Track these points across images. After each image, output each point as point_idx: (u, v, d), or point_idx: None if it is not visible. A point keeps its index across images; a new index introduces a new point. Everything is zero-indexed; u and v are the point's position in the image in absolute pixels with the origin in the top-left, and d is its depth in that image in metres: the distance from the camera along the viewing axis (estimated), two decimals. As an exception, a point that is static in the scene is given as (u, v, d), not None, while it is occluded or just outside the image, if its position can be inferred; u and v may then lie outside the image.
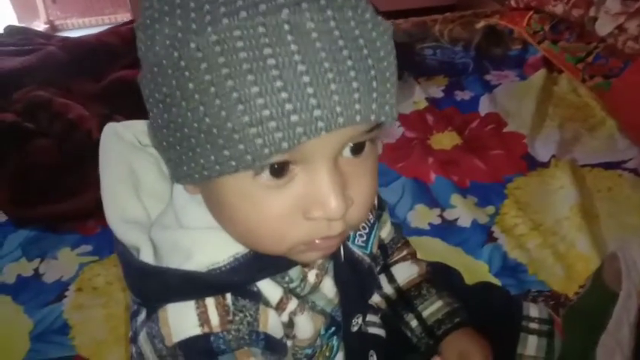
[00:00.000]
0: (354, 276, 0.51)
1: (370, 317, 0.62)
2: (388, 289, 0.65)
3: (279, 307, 0.44)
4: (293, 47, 0.31)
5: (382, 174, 1.12)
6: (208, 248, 0.41)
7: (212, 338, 0.39)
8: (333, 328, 0.50)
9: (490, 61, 1.59)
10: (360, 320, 0.54)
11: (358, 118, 0.33)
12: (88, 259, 0.96)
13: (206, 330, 0.39)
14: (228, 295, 0.41)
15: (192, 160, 0.36)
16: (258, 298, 0.42)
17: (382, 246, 0.63)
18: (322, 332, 0.49)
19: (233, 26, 0.31)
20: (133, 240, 0.42)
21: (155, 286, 0.41)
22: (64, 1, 3.37)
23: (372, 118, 0.34)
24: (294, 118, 0.32)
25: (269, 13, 0.31)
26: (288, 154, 0.34)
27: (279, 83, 0.31)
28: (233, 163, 0.34)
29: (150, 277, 0.41)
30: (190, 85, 0.33)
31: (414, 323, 0.63)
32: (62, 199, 1.07)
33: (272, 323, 0.43)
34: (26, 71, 1.36)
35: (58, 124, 1.21)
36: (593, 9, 1.45)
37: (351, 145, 0.37)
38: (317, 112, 0.32)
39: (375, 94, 0.34)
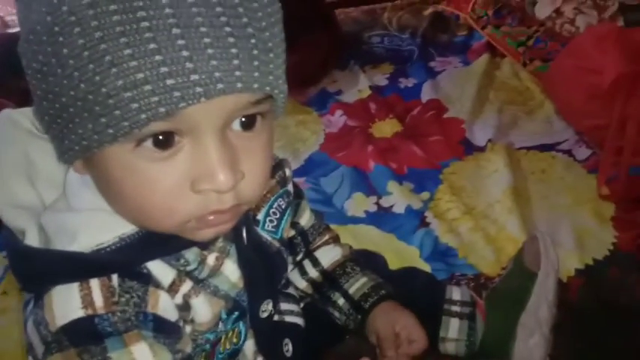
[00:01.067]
0: (261, 260, 0.51)
1: (289, 306, 0.62)
2: (313, 272, 0.65)
3: (172, 289, 0.43)
4: (168, 10, 0.31)
5: (322, 164, 1.14)
6: (93, 229, 0.41)
7: (96, 320, 0.39)
8: (236, 313, 0.49)
9: (435, 47, 1.59)
10: (269, 306, 0.54)
11: (239, 85, 0.33)
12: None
13: (90, 312, 0.39)
14: (114, 277, 0.40)
15: (72, 132, 0.35)
16: (147, 279, 0.42)
17: (303, 233, 0.64)
18: (224, 317, 0.48)
19: None
20: (19, 224, 0.42)
21: (37, 269, 0.41)
22: (14, -4, 3.27)
23: (255, 86, 0.34)
24: (170, 81, 0.32)
25: None
26: (171, 123, 0.34)
27: (152, 45, 0.31)
28: (110, 131, 0.33)
29: (32, 260, 0.41)
30: (65, 51, 0.32)
31: (340, 301, 0.63)
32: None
33: (163, 305, 0.42)
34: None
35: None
36: (533, -7, 1.47)
37: (242, 119, 0.37)
38: (194, 77, 0.32)
39: (256, 62, 0.34)
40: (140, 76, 0.31)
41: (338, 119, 1.28)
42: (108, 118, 0.33)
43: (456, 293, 0.70)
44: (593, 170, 1.02)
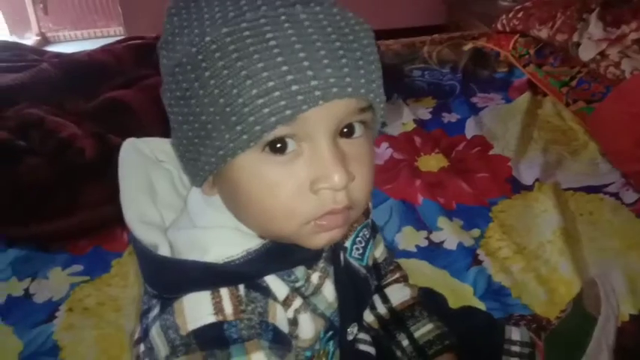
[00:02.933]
0: (351, 284, 0.55)
1: (362, 335, 0.64)
2: (382, 308, 0.67)
3: (286, 303, 0.47)
4: (290, 32, 0.38)
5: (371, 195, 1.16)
6: (223, 244, 0.45)
7: (225, 326, 0.42)
8: (330, 332, 0.53)
9: (476, 83, 1.62)
10: (355, 330, 0.57)
11: (350, 89, 0.39)
12: (79, 279, 0.96)
13: (220, 318, 0.42)
14: (241, 287, 0.44)
15: (210, 147, 0.41)
16: (267, 292, 0.46)
17: (376, 265, 0.66)
18: (321, 335, 0.51)
19: (240, 20, 0.38)
20: (151, 238, 0.46)
21: (173, 277, 0.44)
22: (56, 13, 3.38)
23: (362, 91, 0.40)
24: (294, 87, 0.37)
25: (269, 9, 0.39)
26: (292, 128, 0.40)
27: (280, 59, 0.37)
28: (245, 137, 0.39)
29: (169, 269, 0.45)
30: (207, 74, 0.39)
31: (405, 342, 0.65)
32: (53, 218, 1.07)
33: (280, 317, 0.46)
34: (18, 88, 1.36)
35: (50, 142, 1.22)
36: (577, 34, 1.49)
37: (345, 129, 0.42)
38: (314, 82, 0.38)
39: (362, 71, 0.40)
40: (271, 84, 0.37)
41: (384, 151, 1.31)
42: (243, 125, 0.39)
43: (515, 334, 0.72)
44: (641, 215, 1.03)
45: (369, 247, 0.59)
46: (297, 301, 0.48)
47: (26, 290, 0.95)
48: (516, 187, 1.15)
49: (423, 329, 0.65)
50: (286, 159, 0.41)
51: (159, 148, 0.51)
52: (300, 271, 0.48)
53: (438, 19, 2.73)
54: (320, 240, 0.44)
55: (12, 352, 0.83)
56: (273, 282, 0.46)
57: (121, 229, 1.06)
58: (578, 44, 1.47)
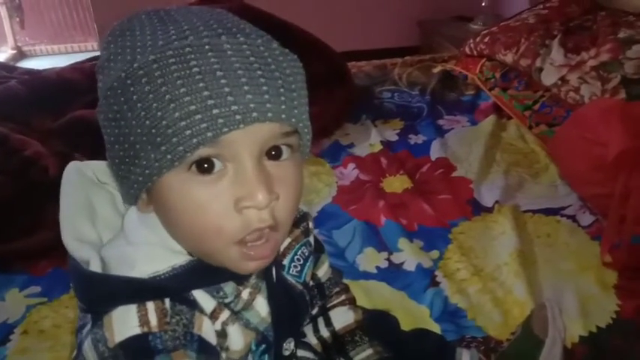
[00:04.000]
0: (286, 299, 0.57)
1: (305, 353, 0.66)
2: (324, 332, 0.69)
3: (213, 315, 0.49)
4: (213, 60, 0.41)
5: (335, 216, 1.17)
6: (150, 259, 0.47)
7: (150, 337, 0.44)
8: (263, 346, 0.54)
9: (444, 105, 1.66)
10: (291, 345, 0.58)
11: (270, 114, 0.42)
12: (37, 300, 0.95)
13: (145, 330, 0.44)
14: (167, 301, 0.46)
15: (139, 166, 0.43)
16: (194, 305, 0.47)
17: (320, 285, 0.68)
18: (253, 348, 0.53)
19: (166, 49, 0.41)
20: (84, 255, 0.48)
21: (101, 292, 0.46)
22: (33, 28, 3.37)
23: (283, 116, 0.43)
24: (215, 111, 0.40)
25: (195, 39, 0.42)
26: (216, 149, 0.42)
27: (201, 84, 0.40)
28: (169, 157, 0.41)
29: (96, 284, 0.46)
30: (134, 97, 0.42)
31: None
32: (14, 238, 1.06)
33: (206, 329, 0.47)
34: (-15, 106, 1.36)
35: (14, 160, 1.21)
36: (540, 60, 1.54)
37: (273, 152, 0.45)
38: (234, 107, 0.41)
39: (283, 98, 0.43)
40: (192, 107, 0.40)
41: (350, 172, 1.33)
42: (167, 146, 0.41)
43: (465, 356, 0.73)
44: (596, 237, 1.05)
45: (307, 264, 0.61)
46: (225, 314, 0.49)
47: (-19, 312, 0.94)
48: (477, 209, 1.17)
49: (362, 354, 0.67)
50: (212, 179, 0.43)
51: (102, 170, 0.53)
52: (229, 287, 0.50)
53: (412, 41, 2.79)
54: (249, 266, 0.47)
55: (-37, 377, 0.82)
56: (201, 296, 0.48)
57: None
58: (540, 69, 1.52)
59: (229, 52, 0.42)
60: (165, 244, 0.48)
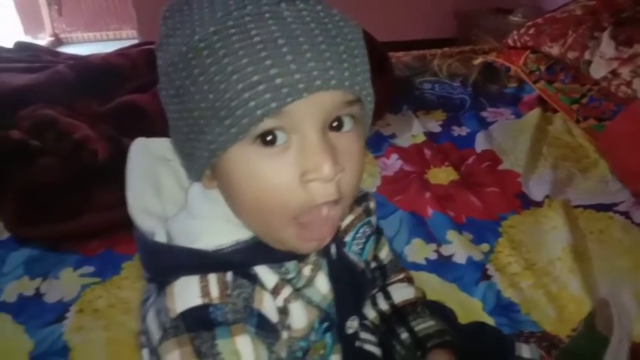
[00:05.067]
0: (347, 277, 0.56)
1: (367, 335, 0.65)
2: (384, 305, 0.68)
3: (275, 291, 0.48)
4: (273, 28, 0.40)
5: (380, 206, 1.14)
6: (214, 233, 0.47)
7: (211, 309, 0.44)
8: (326, 324, 0.53)
9: (486, 97, 1.63)
10: (355, 324, 0.57)
11: (333, 82, 0.40)
12: (90, 280, 0.97)
13: (206, 301, 0.44)
14: (229, 274, 0.46)
15: (203, 141, 0.43)
16: (255, 280, 0.47)
17: (382, 267, 0.67)
18: (316, 326, 0.52)
19: (226, 19, 0.40)
20: (149, 226, 0.48)
21: (165, 262, 0.46)
22: (70, 15, 3.41)
23: (346, 84, 0.41)
24: (278, 80, 0.39)
25: (254, 8, 0.40)
26: (279, 120, 0.41)
27: (263, 54, 0.39)
28: (233, 130, 0.41)
29: (161, 254, 0.47)
30: (196, 71, 0.41)
31: (404, 335, 0.65)
32: (65, 218, 1.08)
33: (267, 305, 0.47)
34: (34, 89, 1.38)
35: (64, 143, 1.23)
36: (588, 52, 1.50)
37: (334, 123, 0.44)
38: (297, 76, 0.39)
39: (345, 65, 0.41)
40: (255, 78, 0.39)
41: (394, 163, 1.32)
42: (231, 119, 0.40)
43: (525, 351, 0.72)
44: (651, 234, 1.03)
45: (368, 243, 0.60)
46: (287, 290, 0.49)
47: (37, 290, 0.96)
48: (526, 203, 1.15)
49: (424, 325, 0.65)
50: (276, 151, 0.42)
51: (166, 147, 0.53)
52: (290, 263, 0.49)
53: (449, 32, 2.75)
54: (306, 247, 0.47)
55: (22, 351, 0.84)
56: (263, 271, 0.48)
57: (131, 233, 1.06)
58: (589, 62, 1.48)
59: (289, 19, 0.40)
60: (229, 218, 0.48)
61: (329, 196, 0.43)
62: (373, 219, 0.62)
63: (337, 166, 0.42)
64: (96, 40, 3.45)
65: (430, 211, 1.13)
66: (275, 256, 0.48)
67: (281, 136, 0.42)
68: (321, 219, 0.44)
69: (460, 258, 1.00)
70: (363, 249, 0.59)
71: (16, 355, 0.84)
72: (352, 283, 0.56)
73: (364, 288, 0.61)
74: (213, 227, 0.47)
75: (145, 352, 0.48)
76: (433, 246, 1.04)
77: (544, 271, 0.96)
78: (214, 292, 0.44)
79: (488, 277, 0.95)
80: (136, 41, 2.17)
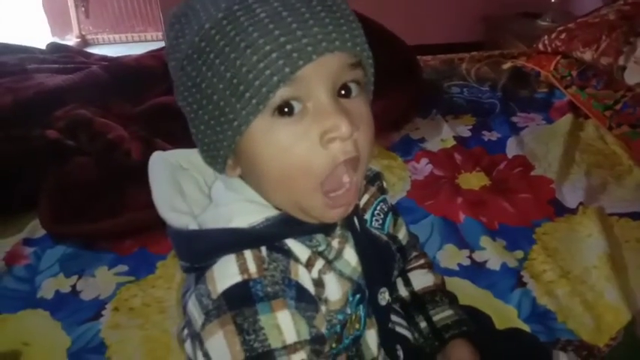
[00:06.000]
0: (373, 249, 0.57)
1: (398, 319, 0.66)
2: (403, 291, 0.69)
3: (309, 263, 0.50)
4: (276, 4, 0.44)
5: (411, 211, 1.16)
6: (244, 213, 0.49)
7: (251, 284, 0.45)
8: (358, 295, 0.54)
9: (516, 102, 1.62)
10: (386, 295, 0.59)
11: (337, 43, 0.44)
12: (125, 279, 0.98)
13: (245, 277, 0.45)
14: (264, 249, 0.47)
15: (226, 122, 0.45)
16: (289, 254, 0.49)
17: (401, 248, 0.67)
18: (350, 298, 0.53)
19: (231, 4, 0.44)
20: (182, 222, 0.49)
21: (202, 246, 0.48)
22: (97, 17, 3.46)
23: (349, 44, 0.45)
24: (288, 47, 0.43)
25: None
26: (294, 89, 0.44)
27: (271, 26, 0.43)
28: (254, 101, 0.44)
29: (197, 239, 0.48)
30: (211, 56, 0.44)
31: (423, 324, 0.66)
32: (99, 217, 1.10)
33: (303, 277, 0.48)
34: (69, 89, 1.40)
35: (98, 143, 1.25)
36: (622, 58, 1.48)
37: (342, 91, 0.47)
38: (304, 40, 0.43)
39: (344, 27, 0.45)
40: (268, 48, 0.42)
41: (424, 167, 1.31)
42: (251, 91, 0.43)
43: (563, 359, 0.71)
44: (690, 245, 1.01)
45: (388, 218, 0.62)
46: (320, 262, 0.50)
47: (73, 287, 0.97)
48: (560, 210, 1.13)
49: (442, 314, 0.66)
50: (295, 119, 0.45)
51: (183, 158, 0.55)
52: (319, 236, 0.51)
53: (476, 37, 2.73)
54: (334, 214, 0.49)
55: (60, 347, 0.85)
56: (295, 245, 0.49)
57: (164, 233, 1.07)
58: (623, 68, 1.46)
59: None
60: (255, 200, 0.50)
61: (349, 152, 0.46)
62: (388, 197, 0.64)
63: (353, 124, 0.45)
64: (121, 42, 3.49)
65: (462, 216, 1.12)
66: (305, 229, 0.50)
67: (297, 106, 0.45)
68: (344, 185, 0.47)
69: (494, 264, 0.99)
70: (382, 224, 0.61)
71: (55, 351, 0.85)
72: (378, 256, 0.58)
73: (390, 260, 0.62)
74: (243, 208, 0.50)
75: (188, 345, 0.49)
76: (466, 252, 1.03)
77: (579, 279, 0.95)
78: (252, 267, 0.46)
79: (523, 285, 0.94)
80: (162, 43, 2.20)
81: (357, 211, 0.57)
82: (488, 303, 0.91)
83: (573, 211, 1.13)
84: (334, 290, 0.51)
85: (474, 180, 1.25)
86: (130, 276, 0.99)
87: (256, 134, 0.46)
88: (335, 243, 0.53)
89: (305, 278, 0.49)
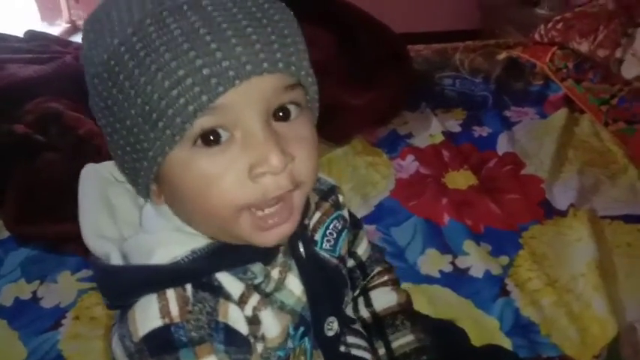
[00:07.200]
0: (320, 275, 0.53)
1: (356, 340, 0.61)
2: (364, 312, 0.64)
3: (242, 300, 0.45)
4: (193, 18, 0.38)
5: (394, 212, 1.11)
6: (168, 245, 0.44)
7: (173, 329, 0.41)
8: (302, 328, 0.50)
9: (510, 96, 1.55)
10: (335, 325, 0.54)
11: (265, 65, 0.38)
12: (88, 285, 0.94)
13: (167, 321, 0.41)
14: (189, 287, 0.43)
15: (141, 150, 0.41)
16: (218, 291, 0.44)
17: (361, 264, 0.64)
18: (291, 332, 0.49)
19: (143, 17, 0.38)
20: (104, 251, 0.46)
21: (120, 284, 0.44)
22: (87, 2, 3.39)
23: (280, 65, 0.39)
24: (206, 71, 0.37)
25: (171, 2, 0.38)
26: (217, 118, 0.39)
27: (186, 46, 0.37)
28: (168, 132, 0.38)
29: (115, 276, 0.44)
30: (121, 77, 0.38)
31: (381, 351, 0.62)
32: (67, 218, 1.04)
33: (233, 317, 0.44)
34: (40, 81, 1.34)
35: (68, 138, 1.20)
36: (620, 50, 1.42)
37: (281, 113, 0.42)
38: (225, 63, 0.37)
39: (276, 46, 0.39)
40: (181, 72, 0.37)
41: (410, 164, 1.26)
42: (164, 121, 0.38)
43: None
44: (685, 251, 0.96)
45: (341, 238, 0.56)
46: (255, 298, 0.46)
47: (34, 293, 0.93)
48: (549, 212, 1.08)
49: (402, 340, 0.61)
50: (220, 149, 0.40)
51: (116, 169, 0.50)
52: (257, 267, 0.46)
53: (472, 24, 2.66)
54: (270, 237, 0.43)
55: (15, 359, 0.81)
56: (226, 280, 0.45)
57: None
58: (620, 61, 1.40)
59: (209, 8, 0.38)
60: (183, 229, 0.46)
61: (282, 188, 0.41)
62: (345, 212, 0.59)
63: (286, 155, 0.40)
64: (112, 28, 3.43)
65: (447, 218, 1.07)
66: (237, 260, 0.46)
67: (224, 134, 0.40)
68: (274, 206, 0.42)
69: (477, 271, 0.94)
70: (334, 245, 0.56)
71: (9, 363, 0.81)
72: (327, 283, 0.53)
73: (340, 286, 0.57)
74: (167, 239, 0.45)
75: None
76: (449, 257, 0.98)
77: (566, 288, 0.90)
78: (174, 310, 0.42)
79: (506, 293, 0.90)
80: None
81: (304, 234, 0.52)
82: (469, 314, 0.86)
83: (563, 214, 1.08)
84: (272, 326, 0.47)
85: (461, 179, 1.19)
86: (93, 282, 0.94)
87: (177, 166, 0.41)
88: (275, 273, 0.48)
89: (236, 317, 0.44)
